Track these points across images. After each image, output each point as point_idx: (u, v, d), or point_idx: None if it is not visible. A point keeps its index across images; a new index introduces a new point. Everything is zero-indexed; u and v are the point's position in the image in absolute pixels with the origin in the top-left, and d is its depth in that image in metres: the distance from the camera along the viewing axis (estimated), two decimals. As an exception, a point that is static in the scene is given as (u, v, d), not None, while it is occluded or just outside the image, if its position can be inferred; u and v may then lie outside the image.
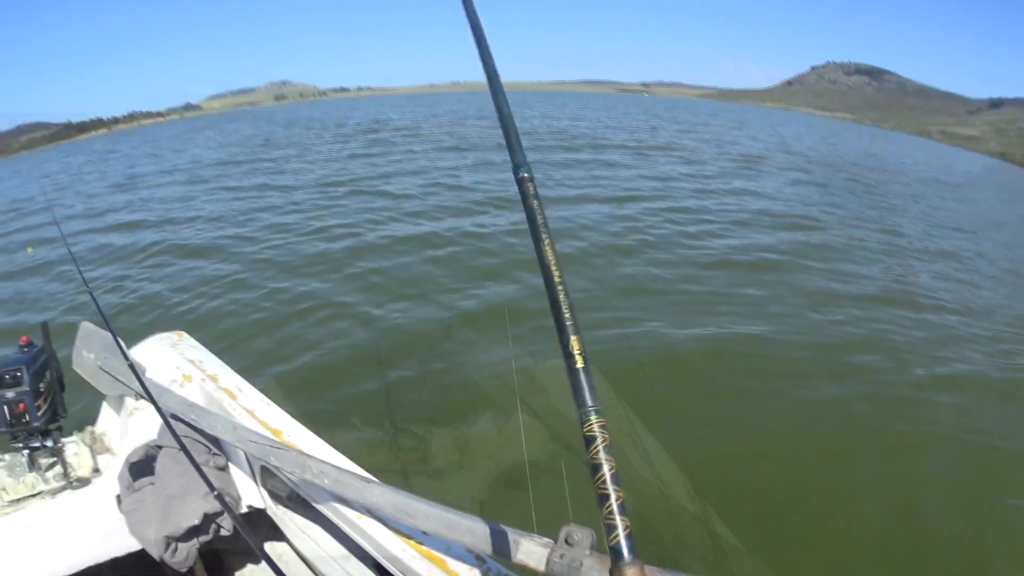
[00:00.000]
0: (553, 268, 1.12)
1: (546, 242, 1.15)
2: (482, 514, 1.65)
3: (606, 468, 0.96)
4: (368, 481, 1.82)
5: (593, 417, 1.00)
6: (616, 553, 0.94)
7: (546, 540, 1.53)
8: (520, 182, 1.23)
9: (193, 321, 8.12)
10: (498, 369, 6.37)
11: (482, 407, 5.79)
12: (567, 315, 1.08)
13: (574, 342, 1.06)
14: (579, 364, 1.04)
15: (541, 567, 1.50)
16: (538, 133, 33.20)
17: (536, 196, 1.21)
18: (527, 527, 1.58)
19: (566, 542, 1.51)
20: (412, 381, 6.50)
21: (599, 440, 0.98)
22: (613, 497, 0.95)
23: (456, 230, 12.05)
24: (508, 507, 4.37)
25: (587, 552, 1.46)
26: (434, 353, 7.16)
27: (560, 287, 1.10)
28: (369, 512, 1.91)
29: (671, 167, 22.03)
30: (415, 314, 8.18)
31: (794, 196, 18.23)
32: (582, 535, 1.50)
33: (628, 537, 0.94)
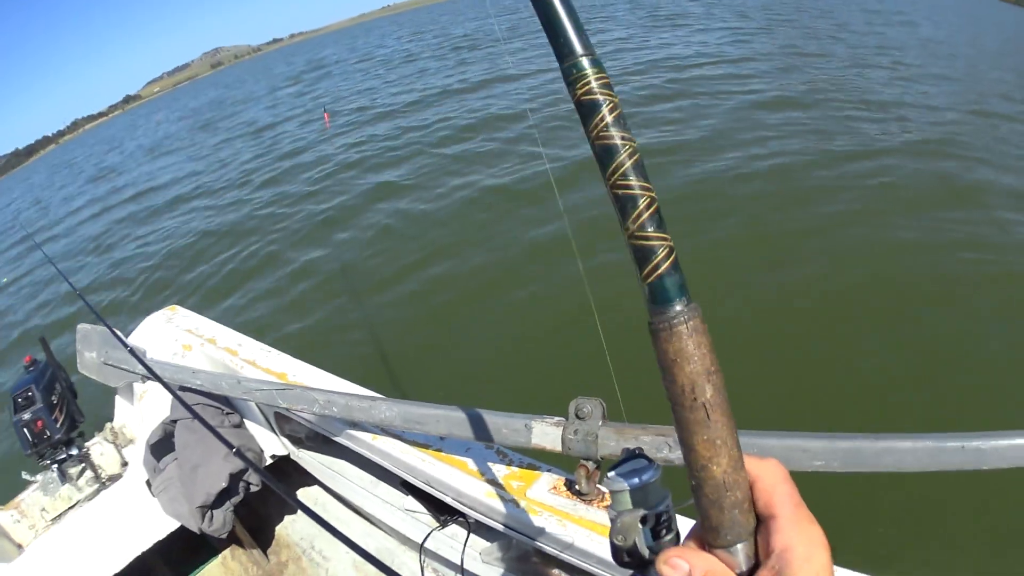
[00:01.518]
0: None
1: None
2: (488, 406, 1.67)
3: (624, 152, 0.58)
4: (374, 399, 1.83)
5: (589, 70, 0.59)
6: (658, 295, 0.57)
7: (557, 419, 1.53)
8: None
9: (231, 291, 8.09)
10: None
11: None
12: None
13: None
14: None
15: (558, 447, 1.50)
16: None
17: None
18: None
19: (577, 416, 1.52)
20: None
21: (605, 106, 0.58)
22: (642, 200, 0.57)
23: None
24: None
25: (599, 423, 1.48)
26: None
27: None
28: (382, 431, 1.93)
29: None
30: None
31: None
32: (591, 406, 1.50)
33: (674, 267, 0.57)
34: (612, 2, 30.25)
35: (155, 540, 2.45)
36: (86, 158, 41.82)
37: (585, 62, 0.59)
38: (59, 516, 2.72)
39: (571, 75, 0.59)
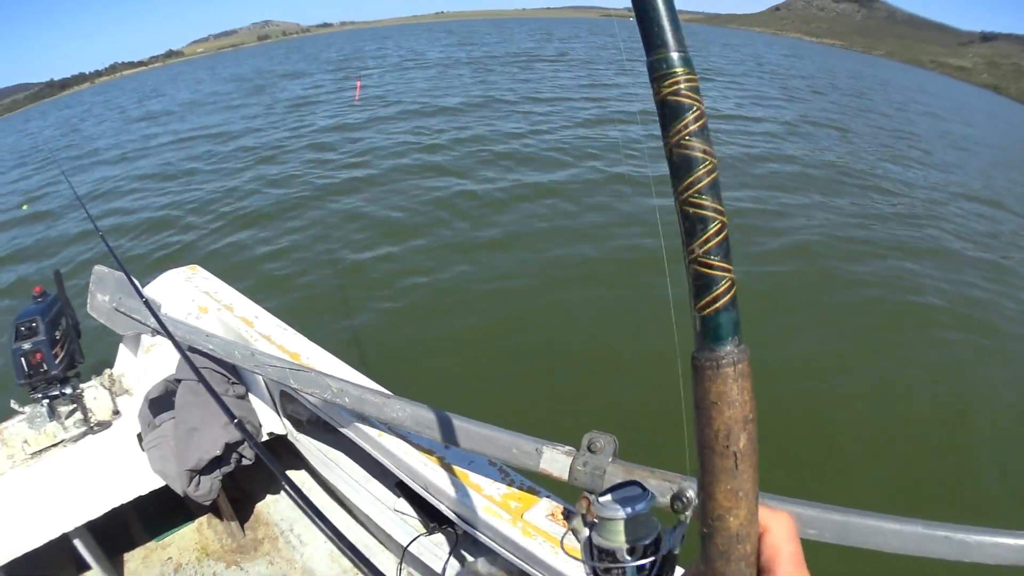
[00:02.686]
0: None
1: None
2: (503, 425, 1.65)
3: (703, 168, 0.52)
4: (388, 396, 1.82)
5: (679, 68, 0.52)
6: (713, 331, 0.52)
7: (568, 448, 1.52)
8: None
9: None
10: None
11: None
12: None
13: None
14: None
15: (564, 476, 1.50)
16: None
17: None
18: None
19: (588, 449, 1.51)
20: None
21: (690, 113, 0.52)
22: (712, 224, 0.52)
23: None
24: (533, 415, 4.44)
25: (609, 459, 1.47)
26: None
27: None
28: (390, 429, 1.92)
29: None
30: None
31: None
32: (605, 442, 1.50)
33: (731, 305, 0.52)
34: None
35: (136, 495, 2.41)
36: (123, 99, 42.00)
37: (676, 58, 0.52)
38: (40, 451, 2.70)
39: (659, 70, 0.52)
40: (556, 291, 6.21)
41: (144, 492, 2.43)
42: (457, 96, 18.83)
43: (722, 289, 0.51)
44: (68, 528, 2.31)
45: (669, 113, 0.52)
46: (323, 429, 2.45)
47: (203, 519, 2.87)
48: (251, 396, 2.61)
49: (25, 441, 2.73)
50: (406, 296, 6.33)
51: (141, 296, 2.54)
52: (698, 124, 0.52)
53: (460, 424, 1.66)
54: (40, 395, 2.70)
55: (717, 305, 0.51)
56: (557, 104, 16.54)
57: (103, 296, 2.86)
